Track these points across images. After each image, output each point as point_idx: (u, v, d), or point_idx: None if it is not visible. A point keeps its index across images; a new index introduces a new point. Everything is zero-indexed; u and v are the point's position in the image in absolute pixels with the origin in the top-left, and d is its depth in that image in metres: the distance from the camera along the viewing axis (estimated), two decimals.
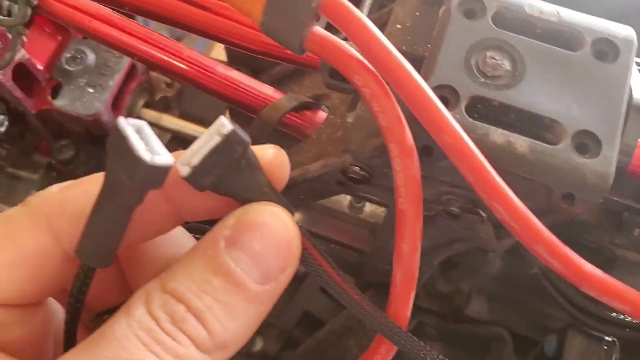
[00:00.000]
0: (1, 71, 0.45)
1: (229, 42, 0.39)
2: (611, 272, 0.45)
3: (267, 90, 0.46)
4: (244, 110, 0.50)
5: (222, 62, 0.51)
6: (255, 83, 0.46)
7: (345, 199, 0.58)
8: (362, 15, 0.30)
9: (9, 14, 0.42)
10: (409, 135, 0.30)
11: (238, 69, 0.57)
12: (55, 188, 0.28)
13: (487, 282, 0.48)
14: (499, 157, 0.30)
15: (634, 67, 0.37)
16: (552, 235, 0.29)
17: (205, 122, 0.59)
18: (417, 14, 0.37)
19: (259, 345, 0.52)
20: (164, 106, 0.63)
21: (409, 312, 0.32)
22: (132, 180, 0.24)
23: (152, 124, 0.59)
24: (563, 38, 0.34)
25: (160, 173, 0.24)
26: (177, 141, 0.60)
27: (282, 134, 0.48)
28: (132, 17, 0.46)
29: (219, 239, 0.25)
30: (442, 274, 0.49)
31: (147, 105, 0.59)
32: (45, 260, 0.27)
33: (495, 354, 0.49)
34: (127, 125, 0.24)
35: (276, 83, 0.57)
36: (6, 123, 0.50)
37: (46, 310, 0.30)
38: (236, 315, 0.25)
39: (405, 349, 0.31)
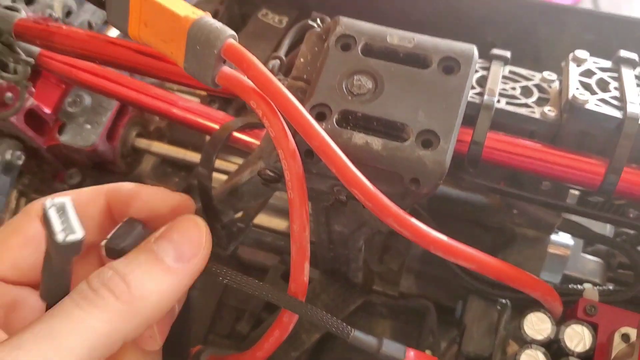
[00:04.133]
0: (14, 116, 0.57)
1: (179, 83, 0.49)
2: (514, 247, 0.54)
3: (219, 115, 0.56)
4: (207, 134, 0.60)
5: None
6: (210, 110, 0.57)
7: None
8: (252, 57, 0.39)
9: (15, 72, 0.54)
10: (291, 142, 0.39)
11: (213, 101, 0.68)
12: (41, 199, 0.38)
13: (413, 262, 0.57)
14: (360, 155, 0.39)
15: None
16: (399, 210, 0.38)
17: (190, 146, 0.70)
18: (316, 49, 0.46)
19: (235, 327, 0.62)
20: (159, 135, 0.73)
21: (305, 278, 0.41)
22: (57, 253, 0.32)
23: (145, 150, 0.70)
24: (419, 59, 0.42)
25: (74, 246, 0.31)
26: (165, 163, 0.70)
27: (236, 149, 0.58)
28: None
29: (152, 236, 0.35)
30: (375, 257, 0.58)
31: (140, 135, 0.69)
32: (40, 244, 0.36)
33: (429, 324, 0.57)
34: (50, 208, 0.31)
35: (240, 110, 0.68)
36: (23, 157, 0.62)
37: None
38: (153, 279, 0.33)
39: (301, 314, 0.40)
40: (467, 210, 0.53)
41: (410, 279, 0.57)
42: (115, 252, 0.37)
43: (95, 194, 0.40)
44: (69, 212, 0.31)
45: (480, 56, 0.46)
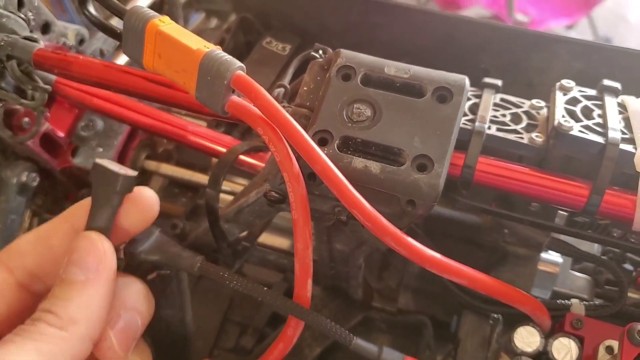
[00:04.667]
0: (31, 140, 0.60)
1: (188, 109, 0.52)
2: (505, 265, 0.56)
3: (226, 138, 0.59)
4: (215, 157, 0.63)
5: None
6: (217, 134, 0.60)
7: None
8: (259, 87, 0.42)
9: (33, 98, 0.57)
10: (295, 166, 0.42)
11: (219, 125, 0.71)
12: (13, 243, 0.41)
13: (411, 279, 0.59)
14: (360, 178, 0.42)
15: (466, 103, 0.49)
16: (397, 230, 0.41)
17: (196, 168, 0.73)
18: (318, 78, 0.49)
19: (239, 341, 0.64)
20: (166, 157, 0.76)
21: (308, 294, 0.43)
22: (115, 189, 0.39)
23: (153, 173, 0.73)
24: (415, 89, 0.45)
25: (131, 181, 0.40)
26: (173, 184, 0.73)
27: (241, 171, 0.61)
28: None
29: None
30: (374, 275, 0.61)
31: (149, 157, 0.73)
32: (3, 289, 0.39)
33: (425, 339, 0.59)
34: (102, 160, 0.40)
35: (245, 133, 0.71)
36: (38, 179, 0.65)
37: None
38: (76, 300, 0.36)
39: (306, 320, 0.43)
40: (462, 229, 0.56)
41: (408, 296, 0.60)
42: (134, 257, 0.41)
43: (59, 222, 0.42)
44: (115, 164, 0.40)
45: (474, 84, 0.49)
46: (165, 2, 0.90)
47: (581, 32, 2.49)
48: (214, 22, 1.10)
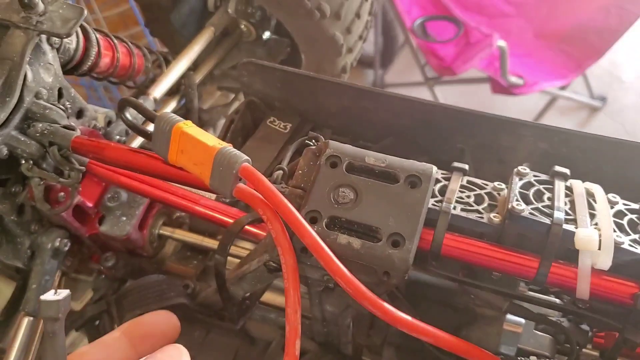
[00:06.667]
0: (65, 211, 0.68)
1: (200, 188, 0.60)
2: (475, 325, 0.63)
3: (232, 210, 0.67)
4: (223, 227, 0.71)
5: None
6: (225, 206, 0.68)
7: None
8: (261, 175, 0.50)
9: (69, 176, 0.66)
10: (289, 242, 0.49)
11: None
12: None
13: (394, 337, 0.66)
14: (343, 252, 0.49)
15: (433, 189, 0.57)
16: (372, 295, 0.47)
17: (206, 233, 0.80)
18: (311, 163, 0.56)
19: None
20: (179, 223, 0.84)
21: (297, 352, 0.50)
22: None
23: (168, 237, 0.81)
24: (390, 176, 0.53)
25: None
26: (185, 248, 0.81)
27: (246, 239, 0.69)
28: None
29: None
30: (363, 332, 0.67)
31: (165, 224, 0.81)
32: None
33: None
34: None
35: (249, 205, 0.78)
36: (69, 244, 0.73)
37: None
38: None
39: None
40: (438, 293, 0.62)
41: (391, 351, 0.66)
42: None
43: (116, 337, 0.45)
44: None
45: (449, 162, 0.57)
46: (182, 84, 1.00)
47: (576, 90, 2.55)
48: (225, 97, 1.20)
